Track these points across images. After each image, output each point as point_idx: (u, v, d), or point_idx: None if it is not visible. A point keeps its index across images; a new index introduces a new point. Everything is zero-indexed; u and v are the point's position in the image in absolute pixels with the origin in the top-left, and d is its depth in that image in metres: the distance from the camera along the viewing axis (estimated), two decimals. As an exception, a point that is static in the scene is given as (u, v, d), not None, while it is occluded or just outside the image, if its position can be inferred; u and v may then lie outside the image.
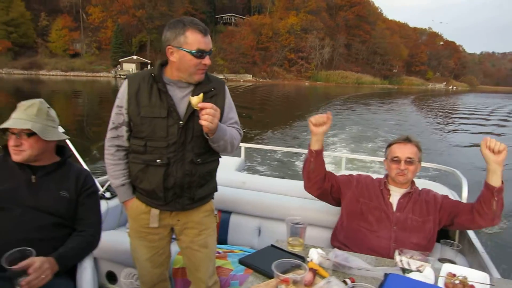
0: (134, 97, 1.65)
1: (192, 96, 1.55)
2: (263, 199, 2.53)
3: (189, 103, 1.58)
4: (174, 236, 1.89)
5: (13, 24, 53.42)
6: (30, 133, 1.57)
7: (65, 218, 1.67)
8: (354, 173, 2.29)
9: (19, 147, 1.58)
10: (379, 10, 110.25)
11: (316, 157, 1.96)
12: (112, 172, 1.76)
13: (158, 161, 1.64)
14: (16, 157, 1.59)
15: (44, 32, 58.55)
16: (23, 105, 1.62)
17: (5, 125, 1.56)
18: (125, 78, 1.72)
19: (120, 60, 57.13)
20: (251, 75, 68.73)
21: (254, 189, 2.66)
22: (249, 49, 68.93)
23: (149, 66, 57.21)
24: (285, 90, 48.99)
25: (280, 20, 76.12)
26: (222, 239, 2.53)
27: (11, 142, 1.58)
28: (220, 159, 1.84)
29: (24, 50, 54.88)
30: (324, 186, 2.06)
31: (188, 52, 1.56)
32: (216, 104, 1.56)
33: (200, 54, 1.57)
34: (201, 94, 1.52)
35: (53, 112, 1.70)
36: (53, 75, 52.17)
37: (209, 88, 1.69)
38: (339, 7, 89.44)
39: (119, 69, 56.07)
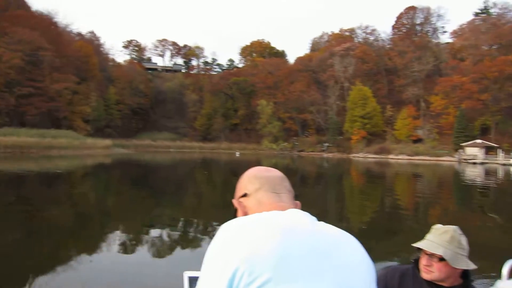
0: None
1: None
2: None
3: None
4: None
5: (367, 117, 63.95)
6: (441, 258, 1.69)
7: None
8: None
9: (429, 268, 1.73)
10: None
11: None
12: None
13: None
14: (425, 275, 1.75)
15: (389, 121, 66.95)
16: (437, 229, 1.79)
17: (420, 245, 1.76)
18: None
19: (462, 144, 57.04)
20: None
21: None
22: None
23: (499, 151, 54.12)
24: None
25: None
26: None
27: (423, 261, 1.76)
28: None
29: (374, 138, 64.25)
30: None
31: None
32: None
33: None
34: None
35: (464, 240, 1.77)
36: (399, 159, 57.84)
37: None
38: None
39: (462, 153, 55.90)
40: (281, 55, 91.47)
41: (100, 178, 21.09)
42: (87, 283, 4.63)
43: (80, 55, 60.55)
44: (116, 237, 7.13)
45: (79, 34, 74.77)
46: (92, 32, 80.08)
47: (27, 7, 66.61)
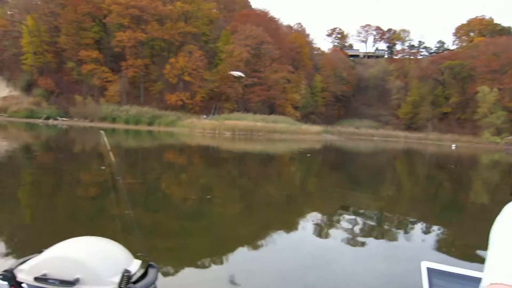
0: None
1: None
2: None
3: None
4: None
5: None
6: None
7: None
8: None
9: None
10: None
11: None
12: None
13: None
14: None
15: None
16: None
17: None
18: None
19: None
20: None
21: None
22: None
23: None
24: None
25: None
26: None
27: None
28: None
29: None
30: None
31: None
32: None
33: None
34: None
35: None
36: None
37: None
38: None
39: None
40: (507, 32, 77.37)
41: (312, 161, 22.29)
42: (282, 260, 4.80)
43: (294, 46, 65.11)
44: (318, 219, 7.40)
45: (289, 27, 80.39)
46: (299, 23, 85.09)
47: (249, 6, 75.50)
